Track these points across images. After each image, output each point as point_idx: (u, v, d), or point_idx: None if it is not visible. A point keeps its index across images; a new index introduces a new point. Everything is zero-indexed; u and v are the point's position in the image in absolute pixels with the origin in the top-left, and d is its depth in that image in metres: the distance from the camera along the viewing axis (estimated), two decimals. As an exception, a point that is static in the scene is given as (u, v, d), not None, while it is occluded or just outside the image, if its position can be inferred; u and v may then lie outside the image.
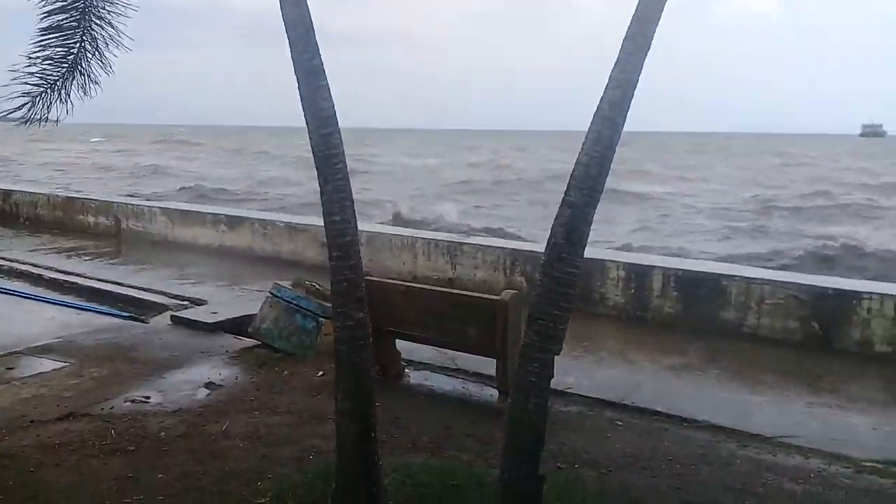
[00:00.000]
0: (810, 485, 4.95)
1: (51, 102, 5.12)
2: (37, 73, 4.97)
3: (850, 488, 4.93)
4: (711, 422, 6.09)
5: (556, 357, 3.81)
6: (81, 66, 5.09)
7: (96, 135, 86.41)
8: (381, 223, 20.94)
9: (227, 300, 9.91)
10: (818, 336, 8.31)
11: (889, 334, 7.92)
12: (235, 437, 5.29)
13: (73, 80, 5.11)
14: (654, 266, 9.53)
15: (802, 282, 8.72)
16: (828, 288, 8.50)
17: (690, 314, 9.04)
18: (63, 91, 5.11)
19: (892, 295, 8.03)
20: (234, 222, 13.88)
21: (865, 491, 4.90)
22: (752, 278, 8.85)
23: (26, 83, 4.96)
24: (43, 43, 4.93)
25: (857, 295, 8.20)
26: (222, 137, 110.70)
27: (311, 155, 3.93)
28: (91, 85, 5.16)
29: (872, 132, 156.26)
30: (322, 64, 3.86)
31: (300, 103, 3.91)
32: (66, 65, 5.06)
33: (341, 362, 4.08)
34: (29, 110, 5.08)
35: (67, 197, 17.54)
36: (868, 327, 8.03)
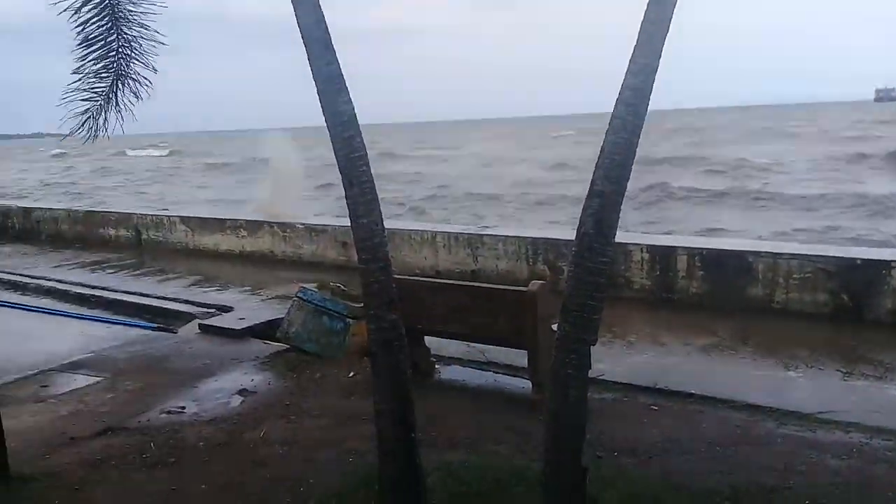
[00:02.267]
0: (853, 460, 4.91)
1: (106, 114, 5.12)
2: (87, 87, 4.98)
3: (893, 461, 4.88)
4: (748, 401, 6.05)
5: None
6: (125, 72, 5.08)
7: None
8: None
9: (252, 305, 9.97)
10: (849, 308, 8.21)
11: (922, 302, 7.81)
12: (274, 443, 5.32)
13: (122, 87, 5.09)
14: (677, 247, 9.46)
15: (830, 254, 8.60)
16: (856, 259, 8.38)
17: (718, 293, 8.97)
18: (115, 101, 5.11)
19: (923, 262, 7.92)
20: (253, 227, 13.93)
21: (910, 464, 4.85)
22: (779, 254, 8.76)
23: (83, 100, 4.98)
24: (84, 56, 4.94)
25: (886, 264, 8.10)
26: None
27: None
28: (141, 89, 5.13)
29: (886, 96, 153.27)
30: (340, 68, 3.85)
31: (320, 108, 3.90)
32: (110, 74, 5.06)
33: (377, 365, 4.09)
34: (88, 126, 5.10)
35: (87, 211, 17.72)
36: (900, 295, 7.93)
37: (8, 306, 10.52)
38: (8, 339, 7.81)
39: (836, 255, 8.63)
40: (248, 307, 9.78)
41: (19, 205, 19.32)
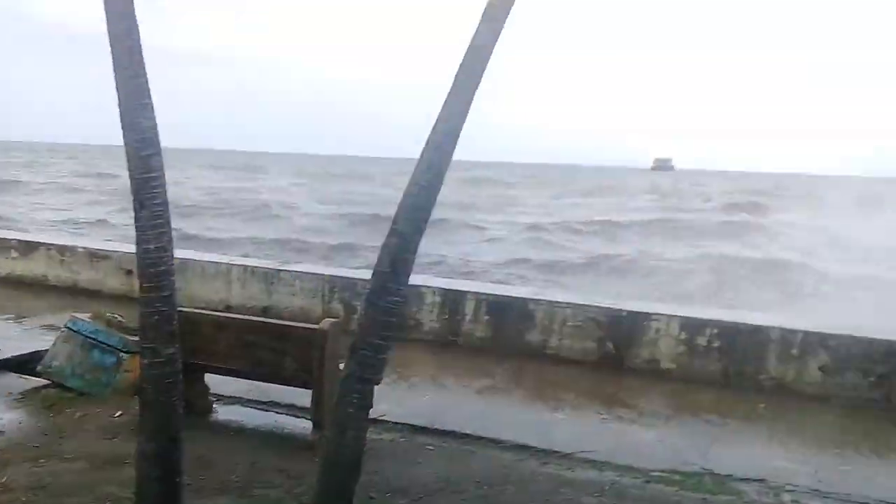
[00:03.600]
0: (605, 497, 5.32)
1: None
2: None
3: (639, 498, 5.35)
4: (516, 441, 6.38)
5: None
6: None
7: None
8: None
9: (13, 335, 9.01)
10: (613, 356, 8.96)
11: (673, 352, 8.67)
12: (16, 489, 4.80)
13: None
14: (467, 291, 9.86)
15: (602, 305, 9.36)
16: (622, 310, 9.18)
17: (499, 337, 9.43)
18: None
19: (677, 315, 8.82)
20: (26, 248, 12.69)
21: (652, 499, 5.35)
22: (557, 302, 9.39)
23: None
24: None
25: (647, 316, 8.92)
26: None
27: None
28: None
29: (662, 166, 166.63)
30: (147, 82, 3.68)
31: (120, 122, 3.69)
32: None
33: (146, 402, 3.86)
34: None
35: None
36: (656, 346, 8.77)
37: None
38: None
39: (607, 305, 9.38)
40: (6, 336, 8.82)
41: None
